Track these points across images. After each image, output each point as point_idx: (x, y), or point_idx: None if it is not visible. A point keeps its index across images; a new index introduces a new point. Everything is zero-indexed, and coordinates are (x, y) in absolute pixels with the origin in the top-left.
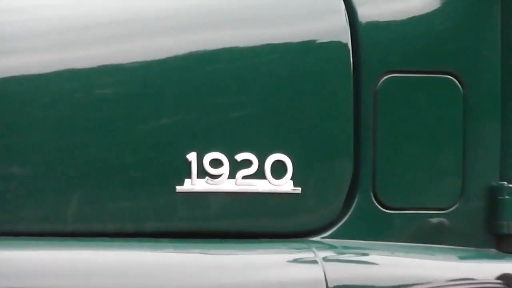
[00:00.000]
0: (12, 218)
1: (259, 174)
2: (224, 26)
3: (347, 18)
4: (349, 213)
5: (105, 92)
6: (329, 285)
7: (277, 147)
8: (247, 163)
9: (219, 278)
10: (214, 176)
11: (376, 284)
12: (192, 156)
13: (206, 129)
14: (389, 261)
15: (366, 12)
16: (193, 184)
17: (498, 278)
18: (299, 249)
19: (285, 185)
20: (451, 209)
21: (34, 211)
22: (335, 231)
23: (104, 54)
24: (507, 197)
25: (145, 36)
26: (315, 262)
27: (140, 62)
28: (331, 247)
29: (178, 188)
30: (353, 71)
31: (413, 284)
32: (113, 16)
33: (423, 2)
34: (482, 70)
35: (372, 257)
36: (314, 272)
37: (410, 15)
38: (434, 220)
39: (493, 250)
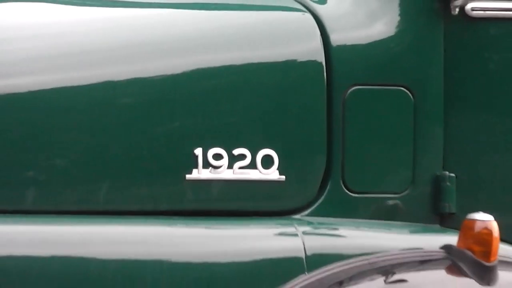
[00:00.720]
0: (56, 200)
1: (252, 165)
2: (227, 49)
3: (322, 42)
4: (323, 196)
5: (132, 102)
6: (307, 253)
7: (266, 144)
8: (242, 157)
9: (217, 247)
10: (216, 167)
11: (344, 252)
12: (198, 151)
13: (210, 130)
14: (355, 234)
15: (337, 37)
16: (199, 173)
17: (441, 248)
18: (283, 224)
19: (272, 174)
20: (403, 193)
21: (75, 194)
22: (312, 211)
23: (132, 70)
24: (448, 183)
25: (162, 56)
26: (296, 235)
27: (160, 78)
28: (309, 223)
29: (188, 177)
30: (327, 83)
31: (374, 252)
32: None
33: (382, 30)
34: (428, 83)
35: (341, 231)
36: (295, 243)
37: (372, 39)
38: (390, 202)
39: (437, 226)
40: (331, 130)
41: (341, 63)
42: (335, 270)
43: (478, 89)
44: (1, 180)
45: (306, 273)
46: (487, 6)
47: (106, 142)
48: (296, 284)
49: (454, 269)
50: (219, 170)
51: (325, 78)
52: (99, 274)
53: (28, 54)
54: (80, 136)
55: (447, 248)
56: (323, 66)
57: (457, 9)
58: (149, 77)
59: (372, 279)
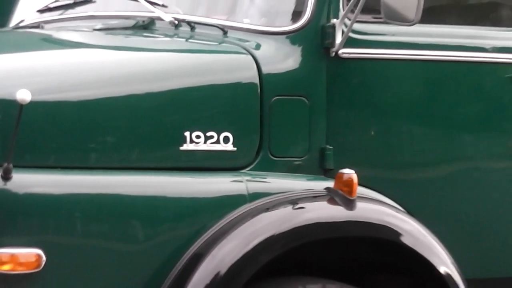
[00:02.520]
0: (106, 160)
1: (217, 142)
2: (202, 76)
3: (257, 71)
4: (258, 159)
5: (153, 108)
6: (248, 192)
7: (226, 130)
8: (212, 137)
9: (195, 188)
10: (197, 142)
11: (260, 191)
12: (187, 133)
13: (194, 122)
14: (276, 181)
15: (265, 68)
16: (187, 146)
17: (324, 189)
18: (235, 175)
19: (229, 147)
20: (304, 158)
21: (118, 157)
22: (251, 168)
23: (153, 89)
24: (328, 152)
25: (172, 81)
26: (242, 181)
27: (169, 96)
28: (250, 174)
29: (181, 148)
30: (260, 95)
31: (286, 191)
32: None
33: (291, 64)
34: (317, 94)
35: (269, 179)
36: (241, 186)
37: (284, 70)
38: (296, 162)
39: (322, 176)
40: (262, 122)
41: (268, 83)
42: (264, 202)
43: (346, 97)
44: (77, 146)
45: (247, 204)
46: (351, 51)
47: (137, 127)
48: (240, 211)
49: (332, 201)
50: (198, 144)
51: (259, 92)
52: (132, 206)
53: (100, 77)
54: (124, 130)
55: (327, 189)
56: (257, 85)
57: (333, 53)
58: (163, 94)
59: (285, 207)
